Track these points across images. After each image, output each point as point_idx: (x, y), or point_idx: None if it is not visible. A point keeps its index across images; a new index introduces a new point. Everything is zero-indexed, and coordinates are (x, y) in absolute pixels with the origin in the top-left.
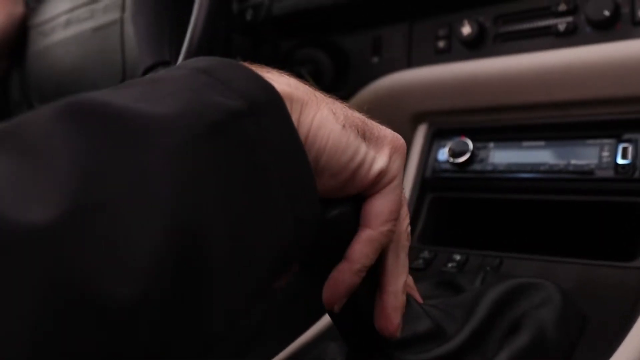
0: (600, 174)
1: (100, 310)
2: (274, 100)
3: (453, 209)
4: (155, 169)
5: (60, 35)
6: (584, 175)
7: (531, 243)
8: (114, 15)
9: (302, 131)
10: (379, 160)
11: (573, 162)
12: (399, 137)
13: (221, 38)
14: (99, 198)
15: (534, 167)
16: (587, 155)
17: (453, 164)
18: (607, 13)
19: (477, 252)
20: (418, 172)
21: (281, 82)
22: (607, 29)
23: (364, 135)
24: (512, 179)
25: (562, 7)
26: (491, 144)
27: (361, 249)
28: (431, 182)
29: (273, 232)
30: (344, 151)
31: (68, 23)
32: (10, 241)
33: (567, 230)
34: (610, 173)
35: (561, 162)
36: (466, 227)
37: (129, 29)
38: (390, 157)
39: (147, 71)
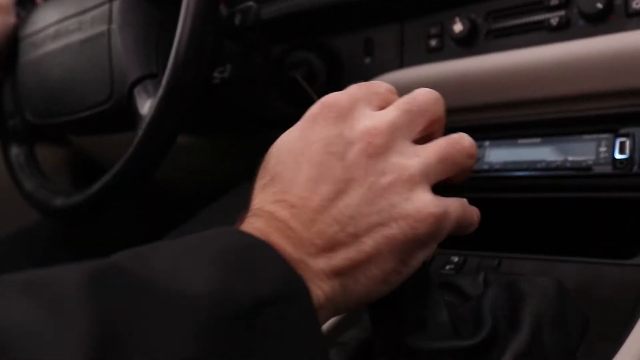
0: (598, 169)
1: None
2: (299, 290)
3: None
4: (175, 352)
5: (49, 46)
6: (581, 172)
7: (530, 242)
8: (102, 27)
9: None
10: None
11: (570, 158)
12: (367, 127)
13: (210, 46)
14: None
15: (530, 165)
16: (584, 151)
17: None
18: (600, 5)
19: (475, 253)
20: None
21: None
22: (600, 22)
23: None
24: (508, 177)
25: (554, 1)
26: (487, 143)
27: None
28: None
29: None
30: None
31: (57, 34)
32: None
33: (566, 228)
34: (608, 168)
35: (558, 159)
36: None
37: (117, 41)
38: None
39: (134, 84)
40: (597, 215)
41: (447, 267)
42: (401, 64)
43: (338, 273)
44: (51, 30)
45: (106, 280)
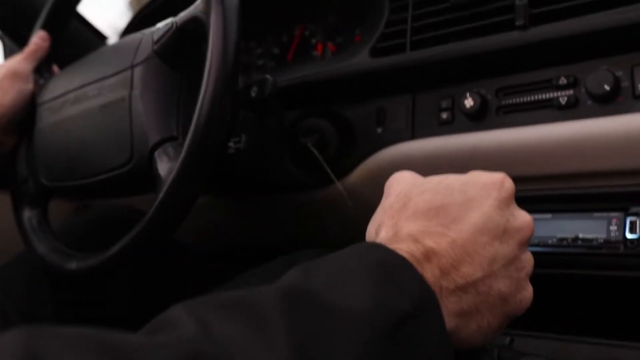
0: (609, 248)
1: None
2: (433, 302)
3: None
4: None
5: (68, 111)
6: (593, 250)
7: (543, 319)
8: (123, 92)
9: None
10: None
11: (581, 235)
12: (528, 221)
13: (228, 114)
14: None
15: (541, 240)
16: (595, 229)
17: None
18: (607, 87)
19: None
20: None
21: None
22: (608, 103)
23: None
24: None
25: (563, 80)
26: None
27: None
28: None
29: None
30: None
31: (76, 100)
32: None
33: (578, 306)
34: (619, 247)
35: (569, 236)
36: None
37: (137, 106)
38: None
39: (155, 147)
40: (609, 294)
41: None
42: (412, 135)
43: (460, 314)
44: (70, 96)
45: (297, 301)
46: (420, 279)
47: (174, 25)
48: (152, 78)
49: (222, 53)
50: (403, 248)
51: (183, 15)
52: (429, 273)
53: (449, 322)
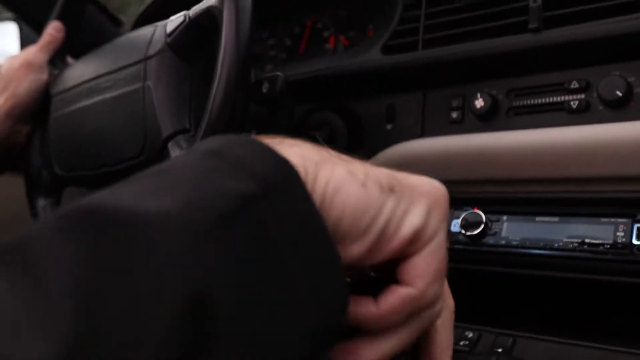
0: (615, 254)
1: None
2: (291, 178)
3: (465, 282)
4: (155, 280)
5: (82, 102)
6: (599, 255)
7: (545, 321)
8: (136, 84)
9: (317, 199)
10: (413, 217)
11: (588, 240)
12: (439, 185)
13: (240, 108)
14: (98, 325)
15: (547, 243)
16: (602, 234)
17: (466, 235)
18: (619, 93)
19: (490, 330)
20: None
21: (294, 153)
22: (620, 108)
23: (392, 189)
24: (525, 254)
25: (575, 84)
26: (504, 217)
27: (393, 305)
28: None
29: (293, 326)
30: (365, 211)
31: (90, 91)
32: None
33: (582, 310)
34: (626, 254)
35: (575, 240)
36: (479, 301)
37: (150, 98)
38: (428, 211)
39: (168, 139)
40: (613, 299)
41: (462, 342)
42: (422, 133)
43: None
44: (84, 87)
45: (74, 223)
46: (271, 153)
47: (187, 18)
48: (165, 70)
49: (235, 47)
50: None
51: (196, 8)
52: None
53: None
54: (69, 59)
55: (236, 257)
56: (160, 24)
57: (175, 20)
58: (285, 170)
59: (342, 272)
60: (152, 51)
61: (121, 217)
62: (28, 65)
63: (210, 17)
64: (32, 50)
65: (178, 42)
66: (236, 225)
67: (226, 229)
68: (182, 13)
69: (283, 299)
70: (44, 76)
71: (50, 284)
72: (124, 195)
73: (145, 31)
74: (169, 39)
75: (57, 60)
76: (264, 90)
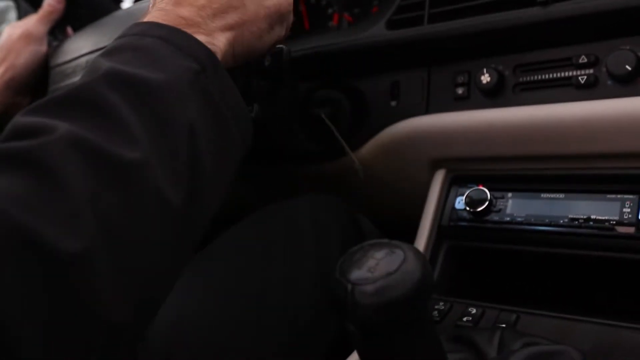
0: (621, 230)
1: None
2: (212, 58)
3: (470, 258)
4: (173, 110)
5: (80, 76)
6: (604, 231)
7: (549, 297)
8: None
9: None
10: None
11: (593, 216)
12: None
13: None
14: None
15: (552, 220)
16: (608, 211)
17: (470, 212)
18: (628, 67)
19: (494, 306)
20: (435, 219)
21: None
22: (629, 83)
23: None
24: (530, 230)
25: (583, 59)
26: (509, 194)
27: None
28: (448, 230)
29: (233, 145)
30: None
31: (88, 64)
32: None
33: (587, 286)
34: (631, 230)
35: (581, 216)
36: (483, 278)
37: None
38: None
39: None
40: (618, 275)
41: (465, 318)
42: (427, 110)
43: (230, 28)
44: (82, 60)
45: (116, 77)
46: (196, 42)
47: None
48: None
49: None
50: (157, 15)
51: None
52: (187, 13)
53: (224, 37)
54: (69, 30)
55: (204, 106)
56: None
57: None
58: (208, 53)
59: (248, 113)
60: None
61: (140, 80)
62: (27, 37)
63: None
64: (32, 20)
65: None
66: (197, 88)
67: (194, 90)
68: None
69: (228, 127)
70: (43, 48)
71: (120, 113)
72: (127, 66)
73: (145, 4)
74: None
75: (57, 31)
76: (267, 63)
